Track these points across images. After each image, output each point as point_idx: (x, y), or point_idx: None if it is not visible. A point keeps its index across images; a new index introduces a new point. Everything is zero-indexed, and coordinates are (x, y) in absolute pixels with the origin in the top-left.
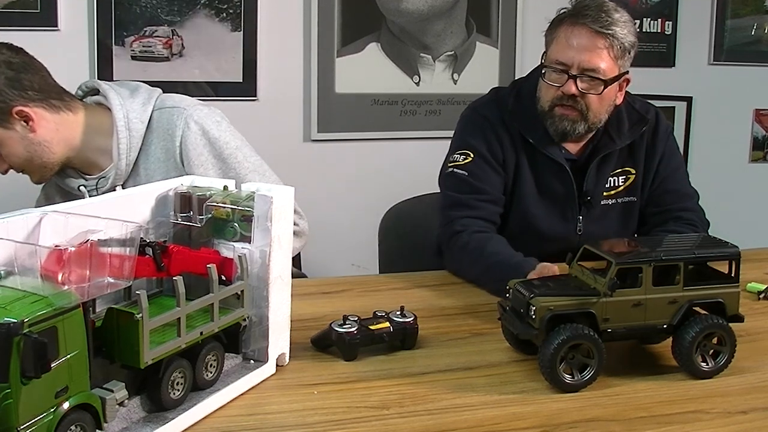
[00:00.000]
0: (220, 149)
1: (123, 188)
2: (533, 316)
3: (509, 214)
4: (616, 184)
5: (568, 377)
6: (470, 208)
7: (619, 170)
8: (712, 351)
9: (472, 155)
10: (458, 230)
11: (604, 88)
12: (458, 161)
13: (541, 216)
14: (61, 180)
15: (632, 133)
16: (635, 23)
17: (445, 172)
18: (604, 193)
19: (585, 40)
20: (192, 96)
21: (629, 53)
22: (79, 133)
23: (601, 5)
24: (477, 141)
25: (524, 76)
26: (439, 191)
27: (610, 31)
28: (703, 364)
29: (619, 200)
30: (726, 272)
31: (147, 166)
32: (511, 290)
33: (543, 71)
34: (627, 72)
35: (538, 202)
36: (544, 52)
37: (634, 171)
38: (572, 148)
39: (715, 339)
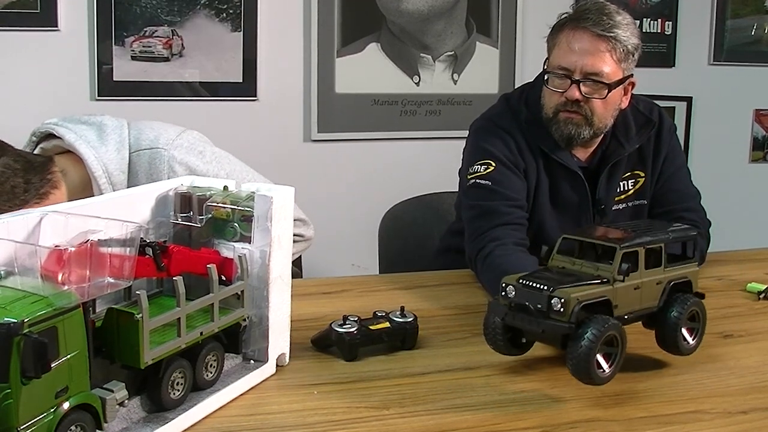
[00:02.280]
0: None
1: None
2: (561, 310)
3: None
4: (626, 188)
5: (600, 371)
6: (499, 215)
7: (629, 174)
8: (688, 327)
9: (493, 164)
10: (486, 245)
11: (608, 92)
12: (480, 171)
13: (556, 227)
14: None
15: (640, 137)
16: (637, 24)
17: (467, 185)
18: (615, 199)
19: (587, 43)
20: (191, 97)
21: (633, 56)
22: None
23: (602, 8)
24: (497, 149)
25: (530, 81)
26: (441, 191)
27: (612, 34)
28: (684, 342)
29: (630, 204)
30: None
31: None
32: (511, 287)
33: (546, 77)
34: (631, 75)
35: (553, 213)
36: (546, 59)
37: (643, 174)
38: (581, 155)
39: (691, 316)
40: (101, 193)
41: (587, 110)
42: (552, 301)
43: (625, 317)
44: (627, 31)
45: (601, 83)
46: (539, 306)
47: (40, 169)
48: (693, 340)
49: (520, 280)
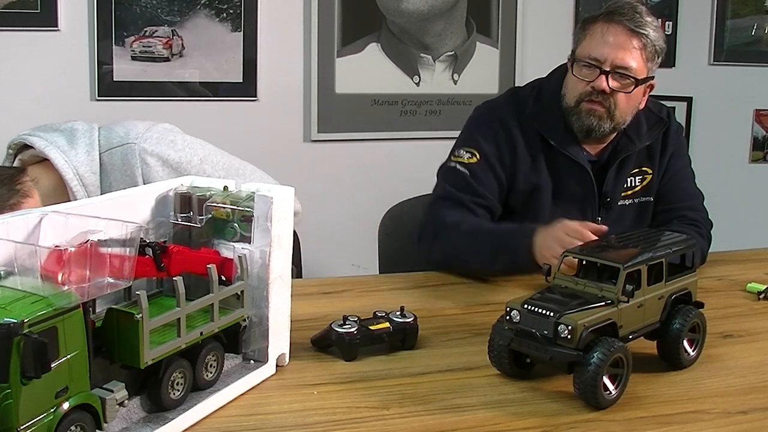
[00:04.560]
0: (187, 171)
1: None
2: (568, 337)
3: (526, 216)
4: (634, 185)
5: (606, 393)
6: (465, 209)
7: (637, 170)
8: (687, 339)
9: (478, 156)
10: (448, 216)
11: (635, 87)
12: (463, 158)
13: (558, 218)
14: None
15: (651, 134)
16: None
17: (447, 165)
18: (622, 194)
19: (621, 37)
20: (191, 97)
21: (658, 58)
22: None
23: (635, 7)
24: (486, 141)
25: (543, 77)
26: None
27: (644, 32)
28: (685, 354)
29: (636, 200)
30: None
31: None
32: (515, 311)
33: (572, 66)
34: (653, 77)
35: (557, 205)
36: (573, 50)
37: (650, 171)
38: (592, 149)
39: (692, 327)
40: (74, 197)
41: (611, 103)
42: (559, 328)
43: (629, 336)
44: (657, 32)
45: (629, 78)
46: (546, 332)
47: (7, 181)
48: (693, 351)
49: (525, 305)
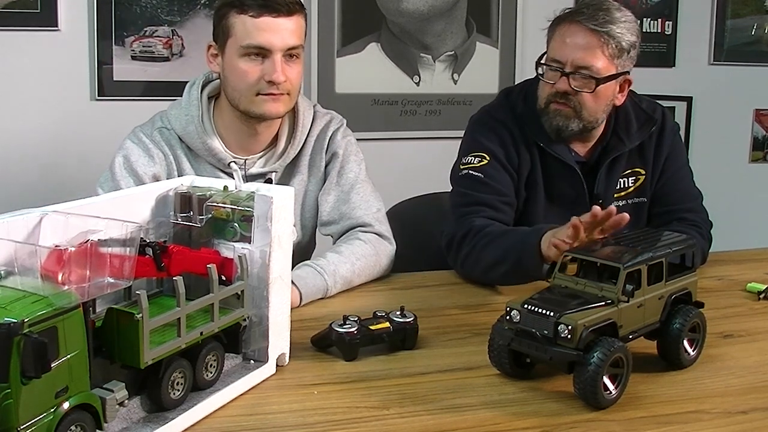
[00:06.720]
0: (347, 179)
1: (273, 180)
2: (568, 336)
3: (520, 218)
4: (626, 186)
5: (607, 393)
6: (491, 208)
7: (629, 171)
8: (687, 339)
9: (487, 158)
10: (473, 226)
11: (596, 86)
12: (473, 163)
13: (553, 220)
14: (209, 153)
15: (641, 133)
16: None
17: (458, 175)
18: (615, 195)
19: (579, 38)
20: None
21: (627, 53)
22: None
23: (600, 4)
24: (492, 143)
25: (532, 77)
26: (441, 191)
27: (604, 29)
28: (685, 354)
29: (630, 201)
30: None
31: (300, 165)
32: (515, 311)
33: (541, 69)
34: (627, 72)
35: (549, 206)
36: (545, 52)
37: (643, 171)
38: (581, 150)
39: (692, 327)
40: (298, 125)
41: (576, 103)
42: (559, 328)
43: (629, 336)
44: (622, 28)
45: (590, 77)
46: (546, 332)
47: None
48: (693, 351)
49: (525, 305)
